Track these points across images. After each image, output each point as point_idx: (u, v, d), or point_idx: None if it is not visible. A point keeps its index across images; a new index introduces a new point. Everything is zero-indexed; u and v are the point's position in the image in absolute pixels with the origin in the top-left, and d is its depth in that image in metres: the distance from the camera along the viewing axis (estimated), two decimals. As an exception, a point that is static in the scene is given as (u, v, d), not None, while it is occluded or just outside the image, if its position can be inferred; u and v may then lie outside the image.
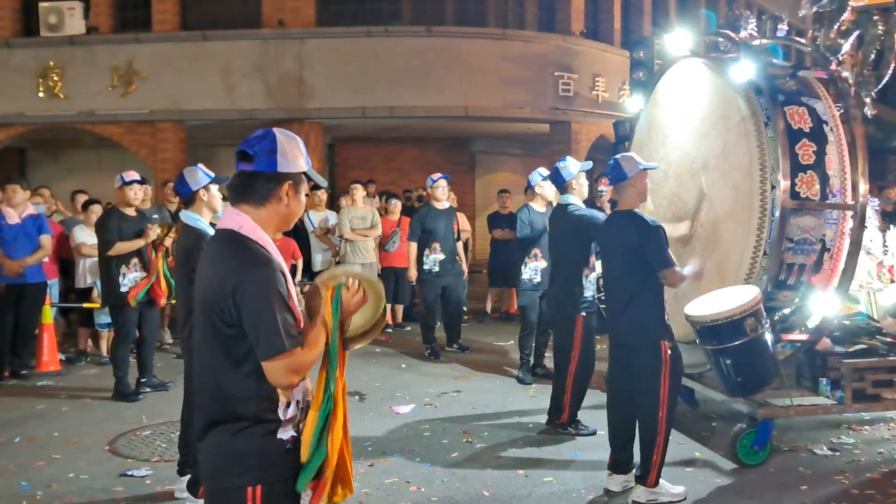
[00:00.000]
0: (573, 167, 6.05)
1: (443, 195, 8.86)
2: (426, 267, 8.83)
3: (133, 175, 7.13)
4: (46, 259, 8.23)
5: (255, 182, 2.40)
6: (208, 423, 2.34)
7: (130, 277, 7.06)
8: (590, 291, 6.02)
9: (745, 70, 5.52)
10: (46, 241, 7.94)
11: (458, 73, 13.05)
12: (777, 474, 5.16)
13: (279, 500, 2.31)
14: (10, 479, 5.15)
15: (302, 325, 2.38)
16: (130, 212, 7.15)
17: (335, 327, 2.36)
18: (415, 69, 12.97)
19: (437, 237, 8.76)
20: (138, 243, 7.04)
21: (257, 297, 2.23)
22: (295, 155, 2.42)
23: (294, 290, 2.38)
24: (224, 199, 5.00)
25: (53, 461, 5.48)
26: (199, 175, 5.03)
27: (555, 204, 6.64)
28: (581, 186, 6.10)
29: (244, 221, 2.36)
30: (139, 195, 7.28)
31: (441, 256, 8.79)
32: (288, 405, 2.33)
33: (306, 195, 2.57)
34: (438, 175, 8.99)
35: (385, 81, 12.94)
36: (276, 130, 2.43)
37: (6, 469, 5.34)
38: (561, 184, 6.12)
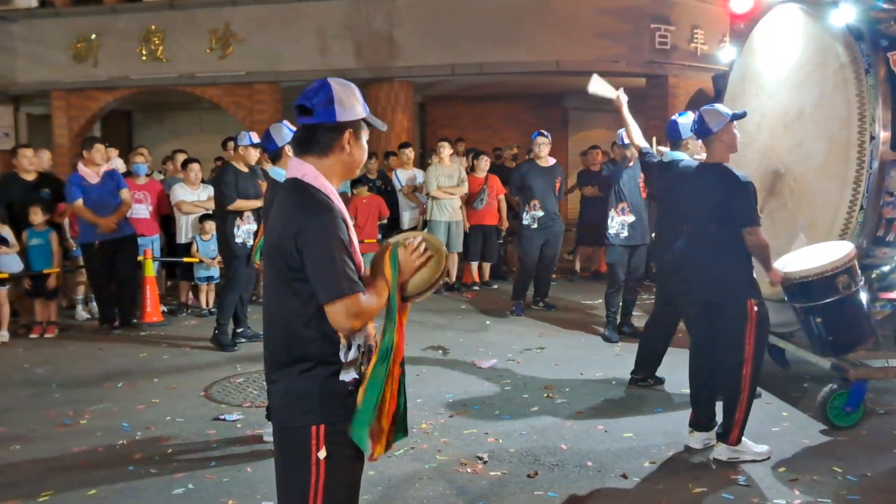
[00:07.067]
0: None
1: (541, 152, 8.87)
2: (525, 222, 8.88)
3: (256, 138, 7.38)
4: (148, 215, 8.63)
5: (316, 134, 2.44)
6: (276, 364, 2.43)
7: (244, 229, 7.36)
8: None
9: (844, 15, 5.22)
10: (126, 194, 8.31)
11: (549, 27, 12.80)
12: (869, 437, 4.99)
13: (341, 439, 2.37)
14: (113, 419, 5.48)
15: (363, 273, 2.43)
16: (244, 168, 7.43)
17: (394, 285, 2.41)
18: (505, 24, 12.81)
19: (536, 194, 8.79)
20: (255, 203, 7.30)
21: (318, 242, 2.28)
22: (352, 103, 2.45)
23: (356, 238, 2.43)
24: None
25: (153, 405, 5.80)
26: (285, 131, 5.21)
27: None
28: (695, 145, 5.57)
29: (307, 170, 2.42)
30: (254, 156, 7.53)
31: (540, 213, 8.78)
32: (349, 348, 2.39)
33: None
34: (540, 132, 9.09)
35: (475, 38, 12.86)
36: (330, 80, 2.45)
37: (110, 411, 5.69)
38: (677, 139, 5.66)
